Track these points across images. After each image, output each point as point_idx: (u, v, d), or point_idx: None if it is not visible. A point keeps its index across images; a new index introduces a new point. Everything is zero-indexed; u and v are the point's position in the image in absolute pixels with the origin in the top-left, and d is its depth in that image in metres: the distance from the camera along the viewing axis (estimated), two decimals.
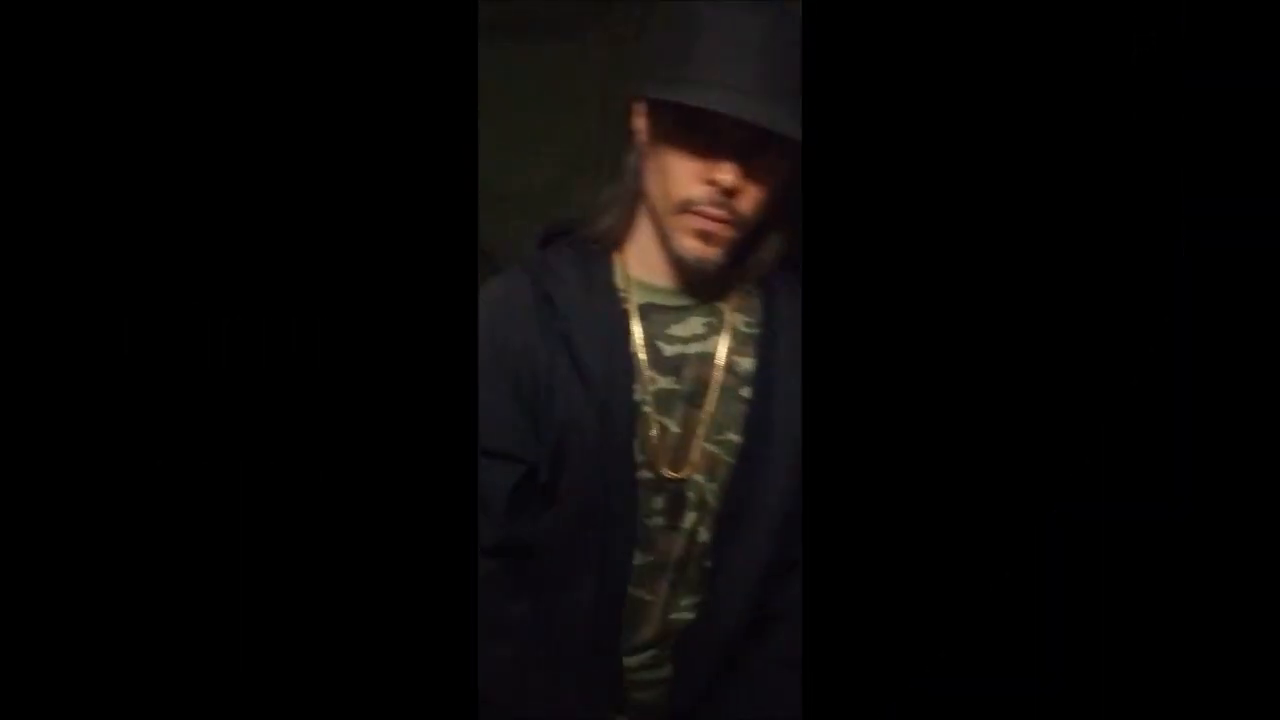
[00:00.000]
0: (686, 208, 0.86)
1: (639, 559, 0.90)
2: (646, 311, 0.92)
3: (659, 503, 0.90)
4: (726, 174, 0.83)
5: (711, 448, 0.90)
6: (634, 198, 0.92)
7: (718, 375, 0.91)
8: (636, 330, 0.90)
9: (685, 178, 0.85)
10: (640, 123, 0.89)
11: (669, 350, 0.91)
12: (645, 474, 0.89)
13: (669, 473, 0.89)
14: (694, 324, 0.92)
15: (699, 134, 0.84)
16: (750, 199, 0.86)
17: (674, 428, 0.90)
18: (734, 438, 0.90)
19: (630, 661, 0.93)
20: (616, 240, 0.94)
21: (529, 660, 0.91)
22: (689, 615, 0.92)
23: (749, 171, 0.84)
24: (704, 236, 0.86)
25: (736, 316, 0.93)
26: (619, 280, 0.93)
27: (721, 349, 0.91)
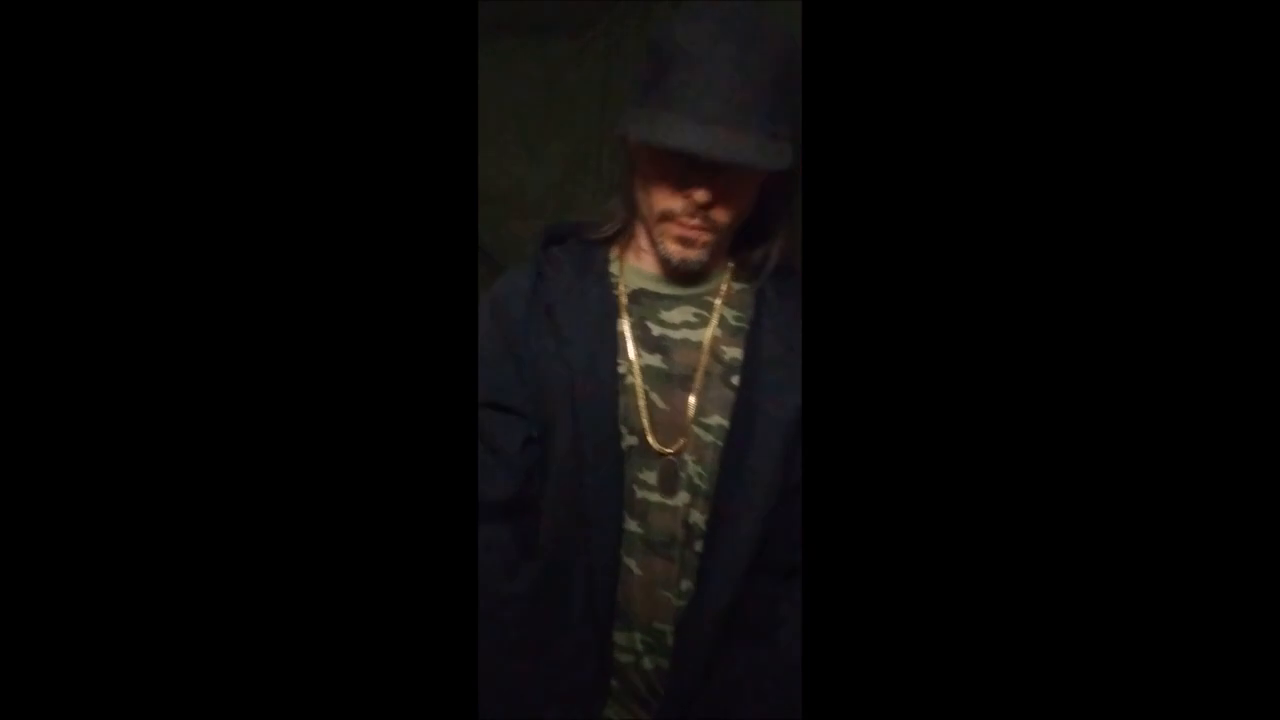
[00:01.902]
0: (667, 217, 0.94)
1: (630, 525, 0.93)
2: (637, 296, 0.98)
3: (650, 476, 0.94)
4: (699, 194, 0.90)
5: (699, 430, 0.94)
6: (631, 207, 0.99)
7: (705, 360, 0.96)
8: (625, 310, 0.97)
9: (663, 194, 0.93)
10: (625, 142, 0.95)
11: (656, 331, 0.97)
12: (632, 441, 0.94)
13: (660, 446, 0.93)
14: (684, 312, 0.98)
15: (673, 158, 0.90)
16: (726, 209, 0.93)
17: (662, 404, 0.94)
18: (721, 421, 0.94)
19: (620, 639, 0.95)
20: (614, 239, 1.01)
21: (525, 632, 0.94)
22: (681, 602, 0.94)
23: (723, 186, 0.91)
24: (684, 242, 0.94)
25: (727, 310, 0.98)
26: (613, 268, 1.01)
27: (708, 336, 0.96)
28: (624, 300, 0.98)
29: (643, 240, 0.99)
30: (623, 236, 1.00)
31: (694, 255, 0.94)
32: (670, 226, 0.93)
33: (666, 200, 0.92)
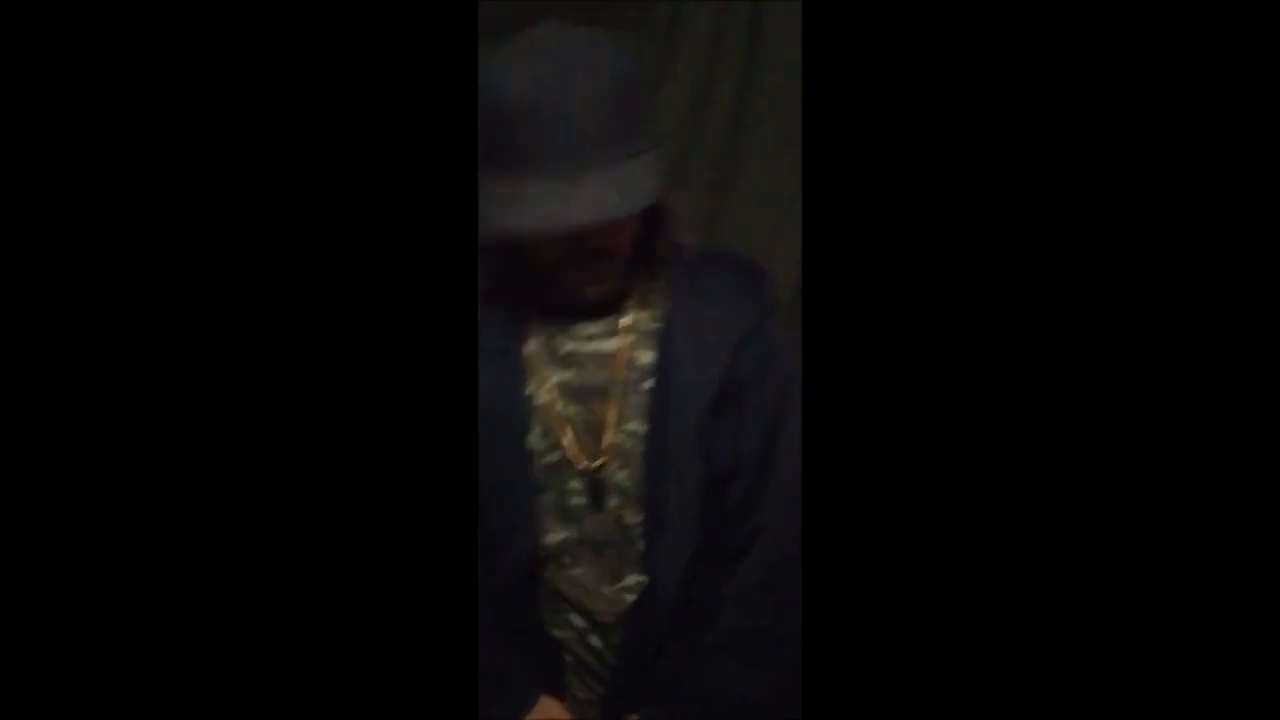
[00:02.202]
0: (560, 266, 0.89)
1: (561, 534, 0.94)
2: (548, 312, 0.96)
3: (577, 484, 0.94)
4: (582, 257, 0.87)
5: (618, 438, 0.94)
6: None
7: (619, 370, 0.94)
8: (534, 330, 0.95)
9: (547, 254, 0.88)
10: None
11: (567, 346, 0.95)
12: (553, 458, 0.94)
13: (585, 463, 0.93)
14: (591, 326, 0.96)
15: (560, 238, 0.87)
16: (617, 245, 0.89)
17: (580, 418, 0.94)
18: (639, 427, 0.94)
19: (564, 635, 0.97)
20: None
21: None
22: (630, 596, 0.95)
23: (604, 232, 0.86)
24: (586, 283, 0.91)
25: (639, 315, 0.96)
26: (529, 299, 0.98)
27: (617, 345, 0.95)
28: (535, 320, 0.96)
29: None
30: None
31: (603, 290, 0.92)
32: (568, 274, 0.90)
33: (553, 259, 0.88)
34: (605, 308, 0.96)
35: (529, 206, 0.82)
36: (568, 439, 0.94)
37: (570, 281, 0.91)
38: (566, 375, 0.95)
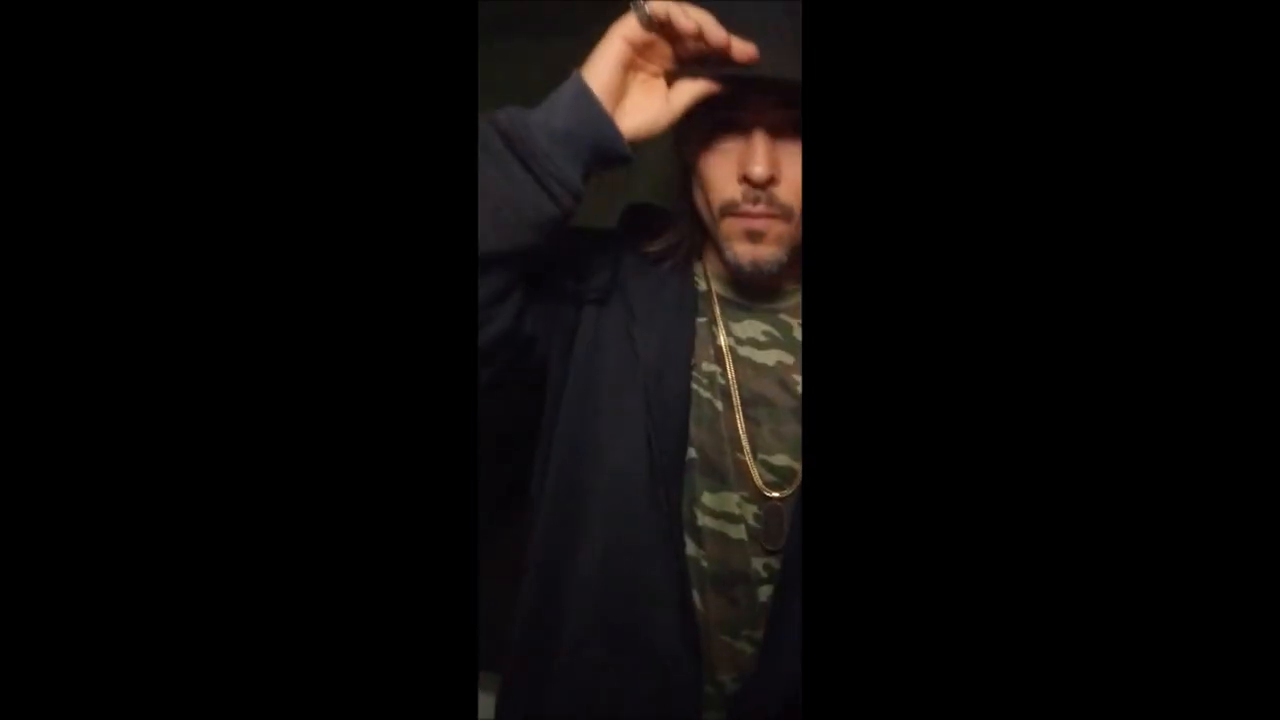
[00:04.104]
0: (729, 211, 0.83)
1: (690, 551, 0.85)
2: (714, 299, 0.89)
3: (712, 501, 0.85)
4: (758, 165, 0.80)
5: (758, 469, 0.84)
6: (693, 220, 0.88)
7: (770, 388, 0.86)
8: (700, 307, 0.87)
9: (720, 181, 0.82)
10: (674, 141, 0.87)
11: (721, 339, 0.87)
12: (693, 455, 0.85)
13: (763, 488, 0.84)
14: (752, 327, 0.88)
15: (723, 128, 0.81)
16: (792, 187, 0.81)
17: (747, 427, 0.86)
18: (789, 462, 0.84)
19: None
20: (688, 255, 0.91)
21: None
22: (751, 650, 0.85)
23: (786, 154, 0.81)
24: (752, 236, 0.83)
25: (802, 332, 0.87)
26: (695, 268, 0.91)
27: (775, 359, 0.86)
28: (699, 295, 0.87)
29: (712, 248, 0.88)
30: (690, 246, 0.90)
31: (767, 254, 0.83)
32: (733, 223, 0.83)
33: (723, 190, 0.82)
34: (768, 292, 0.87)
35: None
36: (744, 452, 0.84)
37: (738, 235, 0.83)
38: (715, 369, 0.86)
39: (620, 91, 0.80)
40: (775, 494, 0.83)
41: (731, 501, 0.84)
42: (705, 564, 0.84)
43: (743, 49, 0.77)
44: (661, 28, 0.78)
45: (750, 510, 0.84)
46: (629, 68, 0.80)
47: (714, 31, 0.76)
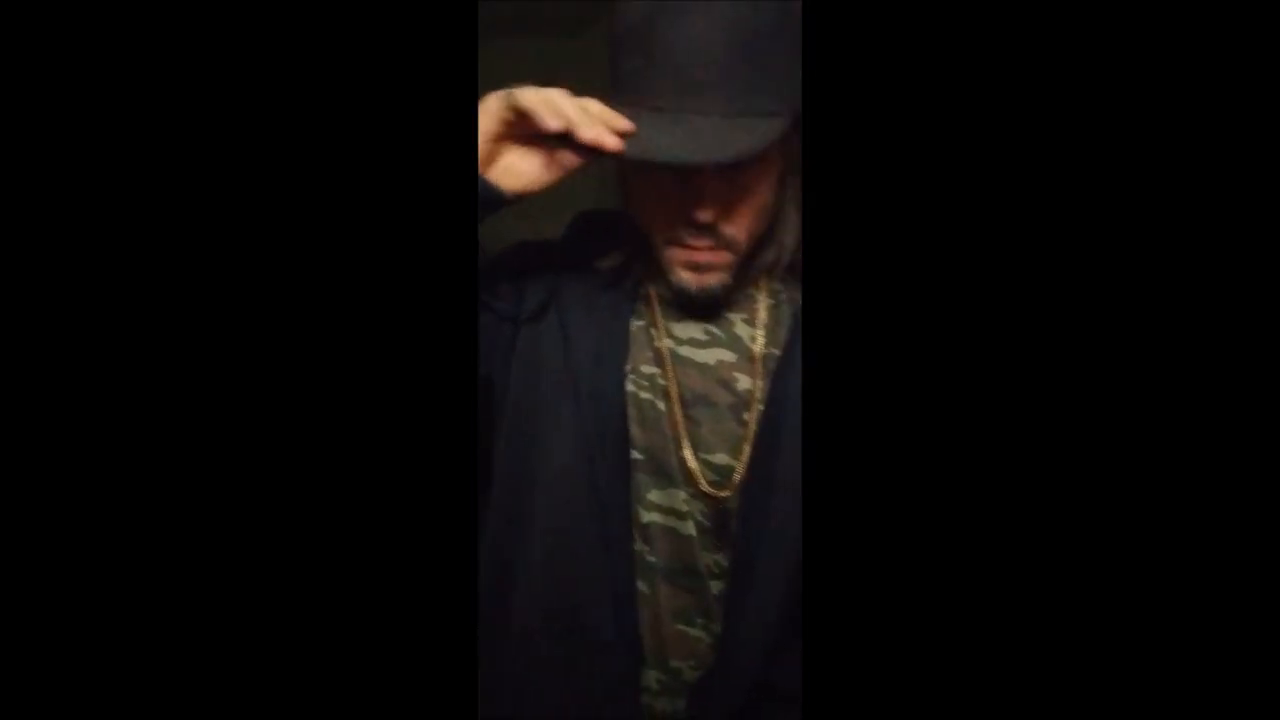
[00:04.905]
0: (673, 242, 0.82)
1: (639, 548, 0.86)
2: (654, 300, 0.89)
3: (658, 497, 0.86)
4: (704, 212, 0.79)
5: (699, 466, 0.85)
6: (635, 229, 0.87)
7: (710, 387, 0.86)
8: (637, 312, 0.88)
9: (662, 219, 0.81)
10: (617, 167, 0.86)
11: (660, 342, 0.87)
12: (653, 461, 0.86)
13: (708, 488, 0.84)
14: (691, 327, 0.88)
15: (668, 173, 0.78)
16: (739, 222, 0.81)
17: (691, 428, 0.86)
18: (728, 460, 0.85)
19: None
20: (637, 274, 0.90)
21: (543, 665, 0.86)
22: (706, 638, 0.86)
23: (731, 196, 0.80)
24: (696, 268, 0.83)
25: (745, 329, 0.88)
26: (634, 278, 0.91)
27: (715, 358, 0.86)
28: (636, 298, 0.88)
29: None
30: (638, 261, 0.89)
31: (712, 281, 0.83)
32: (677, 253, 0.82)
33: (667, 225, 0.81)
34: (707, 308, 0.86)
35: (657, 134, 0.74)
36: (687, 450, 0.84)
37: (682, 265, 0.82)
38: (655, 371, 0.86)
39: (492, 156, 0.79)
40: (720, 493, 0.84)
41: (679, 499, 0.85)
42: (653, 559, 0.85)
43: (614, 142, 0.75)
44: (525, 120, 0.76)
45: (698, 507, 0.85)
46: (501, 138, 0.79)
47: (585, 131, 0.74)
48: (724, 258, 0.82)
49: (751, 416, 0.85)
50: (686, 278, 0.83)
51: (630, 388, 0.86)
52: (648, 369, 0.87)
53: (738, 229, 0.81)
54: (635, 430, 0.86)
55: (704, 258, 0.82)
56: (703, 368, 0.87)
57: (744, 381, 0.87)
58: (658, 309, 0.89)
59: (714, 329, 0.88)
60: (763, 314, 0.88)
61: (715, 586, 0.85)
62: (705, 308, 0.87)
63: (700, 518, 0.86)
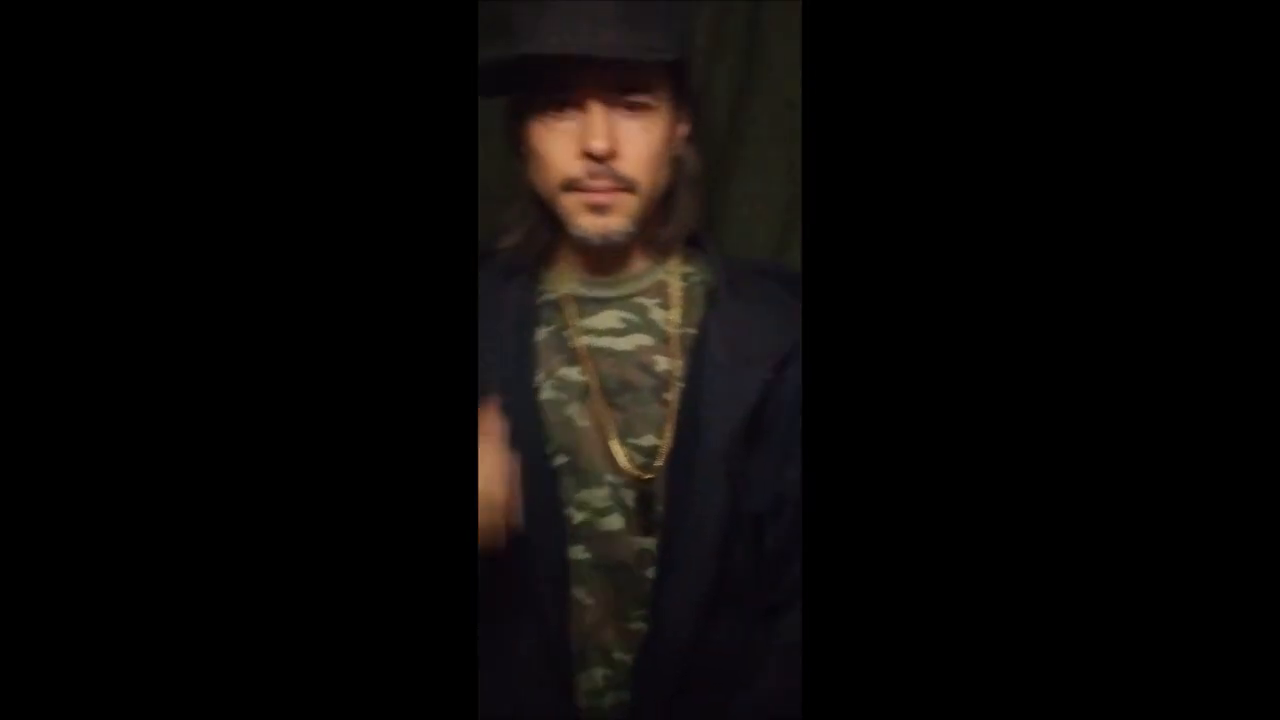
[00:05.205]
0: (571, 187, 0.83)
1: (575, 552, 0.87)
2: (559, 302, 0.90)
3: (590, 497, 0.87)
4: (597, 140, 0.80)
5: (628, 451, 0.86)
6: (537, 203, 0.87)
7: (632, 373, 0.88)
8: (542, 319, 0.89)
9: (557, 158, 0.82)
10: (510, 121, 0.87)
11: (576, 340, 0.88)
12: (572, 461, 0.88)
13: (634, 471, 0.86)
14: (609, 318, 0.89)
15: (556, 103, 0.80)
16: (633, 159, 0.82)
17: (581, 422, 0.87)
18: (653, 442, 0.87)
19: (579, 680, 0.88)
20: (538, 247, 0.91)
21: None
22: (642, 627, 0.87)
23: (623, 129, 0.81)
24: (596, 210, 0.83)
25: (660, 312, 0.89)
26: (542, 274, 0.91)
27: (633, 345, 0.88)
28: (542, 305, 0.89)
29: (567, 242, 0.88)
30: (545, 244, 0.90)
31: (614, 224, 0.83)
32: (575, 198, 0.82)
33: (562, 167, 0.82)
34: (621, 277, 0.88)
35: (535, 43, 0.77)
36: (614, 439, 0.85)
37: (582, 209, 0.82)
38: (572, 373, 0.88)
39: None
40: (647, 475, 0.85)
41: (604, 495, 0.87)
42: (587, 556, 0.86)
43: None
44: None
45: (627, 495, 0.86)
46: None
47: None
48: (624, 200, 0.83)
49: (672, 395, 0.87)
50: (586, 223, 0.83)
51: (548, 395, 0.88)
52: (564, 371, 0.89)
53: (634, 169, 0.82)
54: (558, 436, 0.87)
55: (603, 198, 0.82)
56: (622, 355, 0.89)
57: (663, 363, 0.88)
58: (571, 309, 0.90)
59: (630, 315, 0.89)
60: (676, 295, 0.90)
61: (647, 573, 0.87)
62: (614, 264, 0.88)
63: (629, 504, 0.87)
